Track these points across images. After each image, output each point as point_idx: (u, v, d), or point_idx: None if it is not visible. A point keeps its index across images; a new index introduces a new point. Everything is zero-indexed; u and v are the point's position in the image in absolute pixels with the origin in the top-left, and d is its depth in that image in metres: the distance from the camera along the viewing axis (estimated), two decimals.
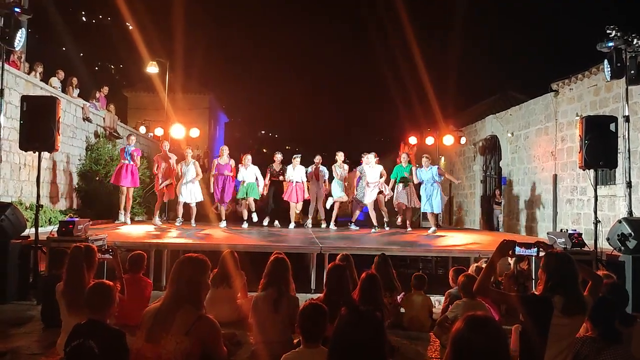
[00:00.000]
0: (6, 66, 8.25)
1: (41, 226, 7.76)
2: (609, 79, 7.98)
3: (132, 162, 11.15)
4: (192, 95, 28.46)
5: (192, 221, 11.36)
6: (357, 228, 11.74)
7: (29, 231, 7.27)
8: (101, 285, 3.65)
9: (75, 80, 13.54)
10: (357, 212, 12.14)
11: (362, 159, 11.61)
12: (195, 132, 15.69)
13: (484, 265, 5.88)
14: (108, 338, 3.20)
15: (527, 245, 3.77)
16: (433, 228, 11.03)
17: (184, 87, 27.28)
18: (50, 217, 10.17)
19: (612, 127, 7.41)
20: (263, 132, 57.06)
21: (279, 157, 12.08)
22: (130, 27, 23.58)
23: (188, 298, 3.10)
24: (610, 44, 7.55)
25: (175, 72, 24.33)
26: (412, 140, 16.77)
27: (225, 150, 11.71)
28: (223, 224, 11.27)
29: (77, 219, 7.15)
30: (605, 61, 7.77)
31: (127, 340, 3.27)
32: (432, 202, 10.90)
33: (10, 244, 6.58)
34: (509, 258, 7.05)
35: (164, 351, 2.94)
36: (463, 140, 17.08)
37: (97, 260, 4.86)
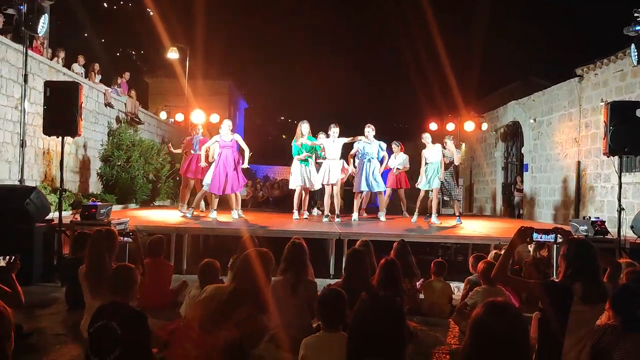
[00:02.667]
0: (30, 52, 8.36)
1: (65, 210, 7.89)
2: (635, 64, 7.82)
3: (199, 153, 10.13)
4: (212, 81, 28.57)
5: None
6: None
7: (53, 215, 7.40)
8: (124, 268, 3.71)
9: (97, 66, 13.67)
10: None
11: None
12: (215, 118, 15.75)
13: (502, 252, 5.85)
14: (130, 320, 3.25)
15: (545, 232, 3.73)
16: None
17: (204, 73, 27.38)
18: (73, 201, 10.34)
19: (638, 112, 7.25)
20: (282, 118, 57.03)
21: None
22: (151, 13, 23.66)
23: (248, 296, 3.14)
24: (638, 27, 7.39)
25: (196, 58, 24.41)
26: (433, 126, 16.64)
27: (227, 124, 9.61)
28: (213, 214, 9.42)
29: (100, 203, 7.26)
30: (632, 45, 7.61)
31: (148, 322, 3.32)
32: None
33: (35, 227, 6.70)
34: (529, 245, 7.00)
35: (209, 336, 2.98)
36: (484, 126, 16.89)
37: (118, 244, 4.92)
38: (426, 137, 10.29)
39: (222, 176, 9.19)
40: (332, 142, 9.91)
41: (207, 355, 2.97)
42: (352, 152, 10.36)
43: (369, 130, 10.02)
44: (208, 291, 3.22)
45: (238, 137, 9.61)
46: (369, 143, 9.99)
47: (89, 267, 4.58)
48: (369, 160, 9.95)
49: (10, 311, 2.25)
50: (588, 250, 3.33)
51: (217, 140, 9.48)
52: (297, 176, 10.05)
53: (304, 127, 10.08)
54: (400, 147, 11.82)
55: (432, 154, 10.03)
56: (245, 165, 9.60)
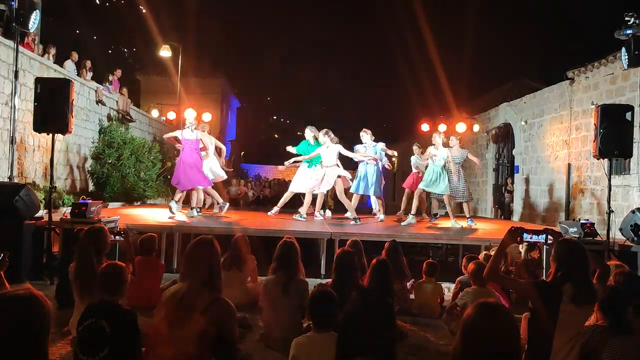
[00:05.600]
0: (20, 48, 8.29)
1: (54, 208, 7.83)
2: (626, 67, 7.87)
3: None
4: (205, 80, 28.45)
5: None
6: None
7: (42, 212, 7.34)
8: (113, 267, 3.69)
9: (88, 63, 13.59)
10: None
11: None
12: (207, 117, 15.67)
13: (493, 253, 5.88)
14: (120, 318, 3.23)
15: (536, 232, 3.75)
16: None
17: (197, 71, 27.28)
18: (64, 199, 10.27)
19: (627, 116, 7.31)
20: (275, 117, 56.98)
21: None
22: (144, 11, 23.55)
23: (206, 281, 3.13)
24: (629, 31, 7.43)
25: (188, 56, 24.32)
26: (425, 127, 16.66)
27: (191, 118, 9.62)
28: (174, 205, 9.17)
29: (90, 201, 7.21)
30: (623, 49, 7.65)
31: (138, 321, 3.30)
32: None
33: (24, 224, 6.65)
34: (520, 246, 7.03)
35: (179, 330, 2.97)
36: (476, 127, 16.92)
37: (110, 242, 4.90)
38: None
39: (186, 172, 9.17)
40: (326, 148, 9.75)
41: (182, 352, 2.96)
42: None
43: (365, 134, 10.29)
44: (169, 291, 3.22)
45: (203, 136, 9.58)
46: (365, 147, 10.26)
47: (78, 265, 4.55)
48: (366, 163, 10.08)
49: (50, 303, 2.23)
50: (579, 252, 3.34)
51: (178, 137, 9.37)
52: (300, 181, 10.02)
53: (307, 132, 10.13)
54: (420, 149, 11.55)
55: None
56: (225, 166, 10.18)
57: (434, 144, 9.86)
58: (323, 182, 9.75)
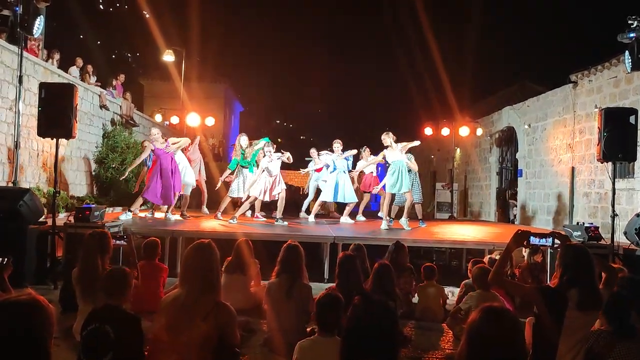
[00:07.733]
0: (25, 53, 8.33)
1: (58, 212, 7.85)
2: (629, 71, 7.86)
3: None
4: (208, 84, 28.50)
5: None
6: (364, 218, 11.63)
7: (46, 217, 7.36)
8: (118, 271, 3.69)
9: (90, 68, 13.64)
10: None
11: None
12: (210, 121, 15.74)
13: (497, 257, 5.86)
14: (124, 323, 3.23)
15: (542, 236, 3.73)
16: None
17: (200, 75, 27.33)
18: (67, 203, 10.29)
19: (631, 119, 7.28)
20: (278, 121, 57.00)
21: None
22: (147, 16, 23.63)
23: (205, 286, 3.13)
24: (632, 34, 7.43)
25: (191, 61, 24.39)
26: (428, 131, 16.67)
27: (156, 133, 9.77)
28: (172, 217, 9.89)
29: (94, 205, 7.23)
30: (626, 52, 7.65)
31: (142, 325, 3.30)
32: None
33: (28, 229, 6.66)
34: (523, 250, 7.01)
35: (181, 336, 2.97)
36: (479, 131, 16.94)
37: (112, 246, 4.90)
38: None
39: (159, 185, 9.42)
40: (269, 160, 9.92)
41: (185, 358, 2.96)
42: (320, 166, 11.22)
43: (337, 145, 10.63)
44: (169, 297, 3.22)
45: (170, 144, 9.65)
46: (337, 157, 10.62)
47: (82, 270, 4.55)
48: (343, 172, 10.56)
49: (52, 308, 2.23)
50: (585, 257, 3.33)
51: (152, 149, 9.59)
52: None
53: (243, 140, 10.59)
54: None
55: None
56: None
57: (389, 146, 9.87)
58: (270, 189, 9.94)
